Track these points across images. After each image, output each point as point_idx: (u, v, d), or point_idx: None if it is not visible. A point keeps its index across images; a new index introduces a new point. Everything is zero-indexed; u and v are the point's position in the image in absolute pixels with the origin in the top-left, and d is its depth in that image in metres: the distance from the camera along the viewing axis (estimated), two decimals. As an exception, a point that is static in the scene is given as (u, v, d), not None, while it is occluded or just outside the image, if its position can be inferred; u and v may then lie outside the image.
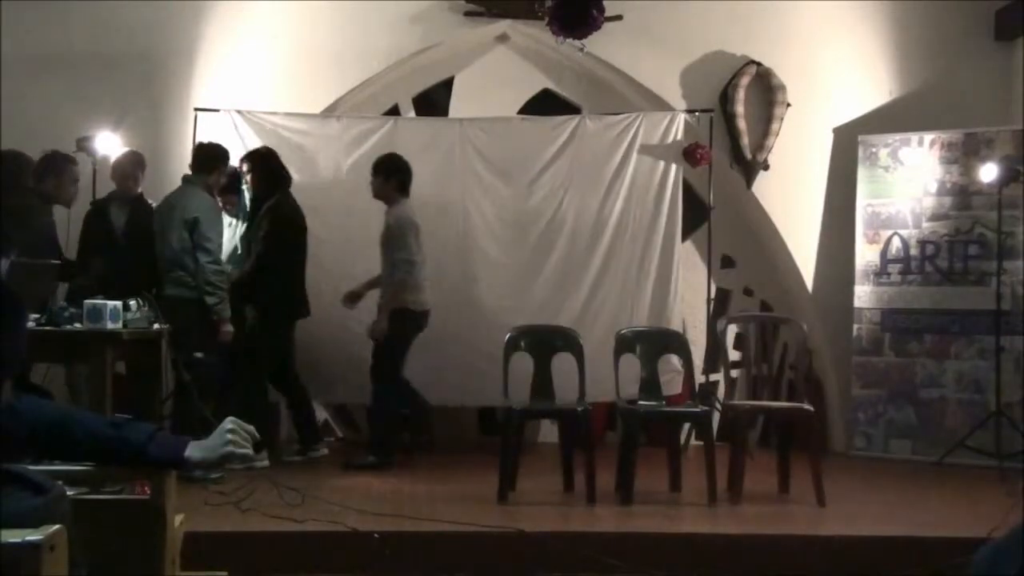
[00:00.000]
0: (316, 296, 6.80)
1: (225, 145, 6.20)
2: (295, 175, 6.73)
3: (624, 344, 5.83)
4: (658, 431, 6.53)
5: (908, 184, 7.14)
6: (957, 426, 6.77)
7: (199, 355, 5.54)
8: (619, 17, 7.07)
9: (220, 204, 6.20)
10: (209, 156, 5.95)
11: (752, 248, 7.70)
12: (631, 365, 5.83)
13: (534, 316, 6.40)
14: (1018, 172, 6.58)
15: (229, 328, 5.74)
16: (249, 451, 2.31)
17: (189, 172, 6.00)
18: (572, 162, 7.05)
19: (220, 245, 5.78)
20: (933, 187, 7.08)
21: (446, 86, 7.64)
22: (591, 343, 6.03)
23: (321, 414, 7.52)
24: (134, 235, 6.02)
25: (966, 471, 6.42)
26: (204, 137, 6.50)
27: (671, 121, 7.10)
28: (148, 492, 2.57)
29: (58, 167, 5.77)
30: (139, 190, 6.20)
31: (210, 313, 5.64)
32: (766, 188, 7.42)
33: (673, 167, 7.08)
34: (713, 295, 7.40)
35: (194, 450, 2.27)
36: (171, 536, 2.58)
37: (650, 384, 5.78)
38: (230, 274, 6.01)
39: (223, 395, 5.79)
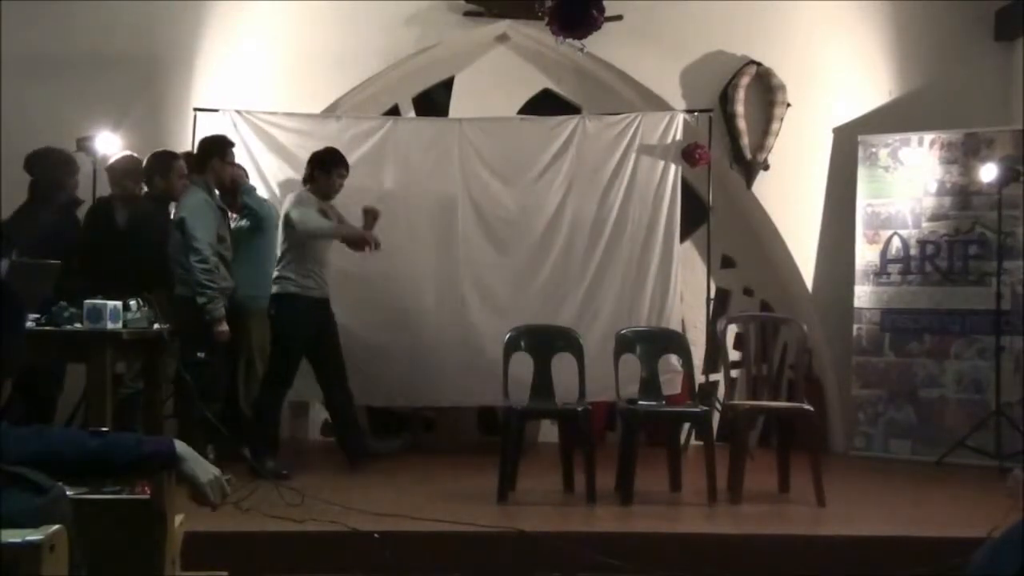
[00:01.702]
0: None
1: (225, 136, 6.13)
2: (294, 175, 6.73)
3: (624, 344, 5.83)
4: (658, 431, 6.53)
5: (908, 184, 7.14)
6: (957, 426, 6.77)
7: (201, 355, 5.51)
8: (619, 17, 7.07)
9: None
10: (200, 153, 5.89)
11: (752, 248, 7.70)
12: (631, 365, 5.83)
13: (534, 316, 6.40)
14: (1018, 172, 6.58)
15: (223, 328, 5.62)
16: (212, 503, 2.34)
17: None
18: (571, 162, 7.05)
19: (209, 244, 5.61)
20: (933, 187, 7.08)
21: (446, 86, 7.65)
22: (591, 343, 6.03)
23: (321, 414, 7.53)
24: (135, 235, 6.02)
25: (966, 471, 6.42)
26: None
27: (670, 121, 7.10)
28: (148, 492, 2.57)
29: (165, 165, 5.91)
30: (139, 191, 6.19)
31: (204, 314, 5.62)
32: (766, 188, 7.42)
33: (672, 167, 7.09)
34: (713, 295, 7.40)
35: (182, 448, 2.26)
36: (171, 536, 2.58)
37: (650, 384, 5.79)
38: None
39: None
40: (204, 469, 2.27)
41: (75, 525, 2.06)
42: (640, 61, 7.36)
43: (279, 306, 5.97)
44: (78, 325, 4.82)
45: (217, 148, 5.89)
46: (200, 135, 6.61)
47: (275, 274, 6.01)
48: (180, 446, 2.26)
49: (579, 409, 5.45)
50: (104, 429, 2.41)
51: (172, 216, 6.04)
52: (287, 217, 5.95)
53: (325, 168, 6.07)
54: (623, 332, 5.97)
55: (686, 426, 6.52)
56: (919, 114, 7.28)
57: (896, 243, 7.15)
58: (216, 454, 5.47)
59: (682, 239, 7.21)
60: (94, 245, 5.94)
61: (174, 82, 7.01)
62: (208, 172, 5.82)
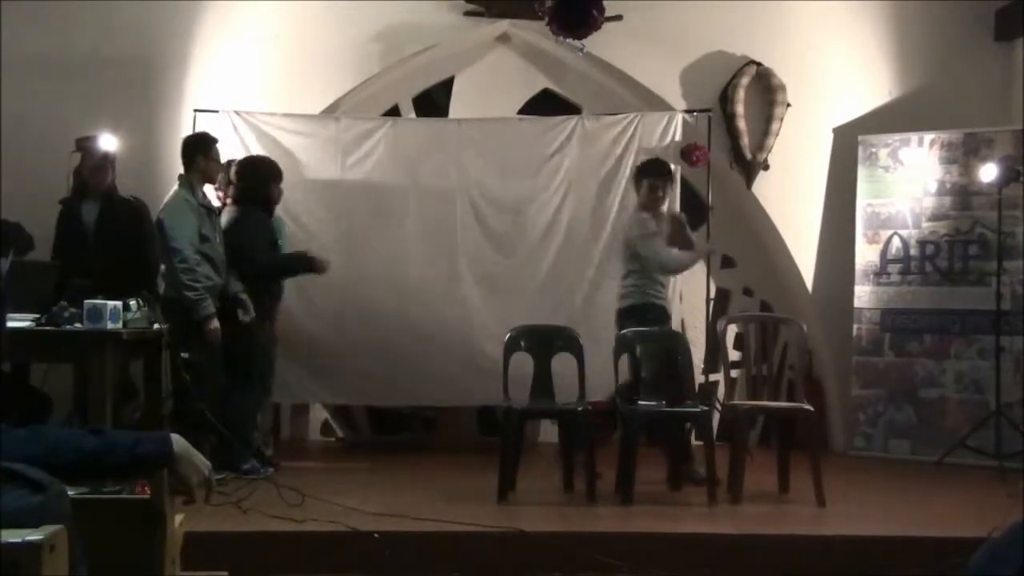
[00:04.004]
0: (316, 297, 6.82)
1: (208, 133, 6.08)
2: (293, 176, 6.73)
3: (624, 344, 5.83)
4: (658, 431, 6.52)
5: (908, 184, 7.14)
6: (957, 426, 6.77)
7: (185, 355, 5.49)
8: (619, 17, 7.07)
9: (216, 195, 6.17)
10: (187, 150, 5.84)
11: (752, 248, 7.70)
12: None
13: (533, 316, 6.39)
14: (1018, 172, 6.57)
15: (214, 326, 5.58)
16: (196, 499, 2.31)
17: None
18: (570, 162, 7.06)
19: (190, 243, 5.57)
20: (933, 187, 7.08)
21: (446, 86, 7.65)
22: (591, 343, 6.03)
23: (320, 414, 7.54)
24: (105, 233, 6.00)
25: (966, 471, 6.41)
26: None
27: (669, 121, 7.10)
28: (148, 492, 2.57)
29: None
30: (108, 186, 6.12)
31: (192, 313, 5.57)
32: (766, 188, 7.42)
33: (671, 167, 7.08)
34: (713, 295, 7.39)
35: (179, 447, 2.25)
36: (171, 536, 2.58)
37: (650, 384, 5.78)
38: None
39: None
40: (197, 470, 2.26)
41: (75, 524, 2.05)
42: (640, 61, 7.36)
43: (625, 320, 5.94)
44: (78, 325, 4.82)
45: (201, 146, 5.85)
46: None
47: (623, 289, 6.00)
48: (177, 444, 2.24)
49: (579, 409, 5.45)
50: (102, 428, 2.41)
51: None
52: (633, 248, 5.94)
53: (638, 178, 6.11)
54: (623, 332, 5.97)
55: (686, 426, 6.51)
56: (919, 114, 7.28)
57: (896, 243, 7.14)
58: (210, 451, 5.46)
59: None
60: (63, 244, 5.92)
61: (174, 83, 7.01)
62: (193, 170, 5.79)
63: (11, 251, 5.30)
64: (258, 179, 6.02)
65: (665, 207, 6.15)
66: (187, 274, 5.54)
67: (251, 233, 5.89)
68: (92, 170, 6.02)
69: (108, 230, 5.99)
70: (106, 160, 6.08)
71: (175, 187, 5.77)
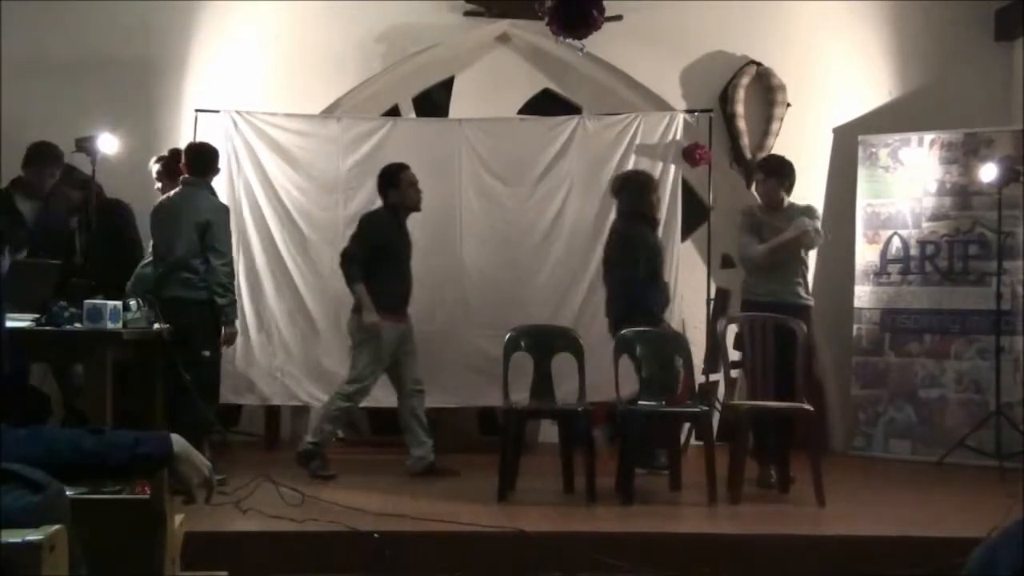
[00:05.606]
0: (316, 299, 6.82)
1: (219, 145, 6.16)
2: (294, 176, 6.73)
3: (624, 344, 5.83)
4: (658, 431, 6.52)
5: (908, 184, 7.14)
6: (957, 426, 6.77)
7: (206, 353, 5.55)
8: (619, 17, 7.07)
9: None
10: (208, 156, 5.88)
11: (752, 248, 7.69)
12: (631, 365, 5.83)
13: (534, 316, 6.40)
14: (1018, 172, 6.58)
15: (235, 330, 5.80)
16: (195, 499, 2.31)
17: (186, 174, 5.93)
18: (571, 162, 7.05)
19: (231, 246, 5.81)
20: (933, 187, 7.08)
21: (446, 86, 7.65)
22: (591, 343, 6.03)
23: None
24: (45, 231, 5.95)
25: (966, 471, 6.42)
26: (204, 139, 6.48)
27: (670, 121, 7.10)
28: (148, 492, 2.58)
29: (395, 177, 6.09)
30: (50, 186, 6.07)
31: (219, 315, 5.62)
32: (766, 188, 7.41)
33: (672, 167, 7.08)
34: (713, 295, 7.39)
35: (179, 447, 2.25)
36: (171, 536, 2.58)
37: (650, 384, 5.78)
38: None
39: None
40: (197, 470, 2.26)
41: (74, 524, 2.06)
42: (640, 61, 7.36)
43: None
44: (78, 325, 4.82)
45: (217, 155, 5.95)
46: (201, 136, 6.61)
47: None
48: (177, 444, 2.25)
49: (579, 409, 5.46)
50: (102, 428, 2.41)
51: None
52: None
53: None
54: (623, 332, 5.96)
55: (686, 426, 6.52)
56: (919, 114, 7.28)
57: (896, 243, 7.15)
58: (212, 451, 5.47)
59: (682, 239, 7.20)
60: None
61: (173, 83, 7.02)
62: (211, 177, 5.83)
63: (5, 249, 5.28)
64: (639, 194, 6.13)
65: (784, 203, 6.06)
66: (229, 277, 5.69)
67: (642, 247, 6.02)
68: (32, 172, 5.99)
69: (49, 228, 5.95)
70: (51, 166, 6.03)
71: (203, 191, 5.74)
